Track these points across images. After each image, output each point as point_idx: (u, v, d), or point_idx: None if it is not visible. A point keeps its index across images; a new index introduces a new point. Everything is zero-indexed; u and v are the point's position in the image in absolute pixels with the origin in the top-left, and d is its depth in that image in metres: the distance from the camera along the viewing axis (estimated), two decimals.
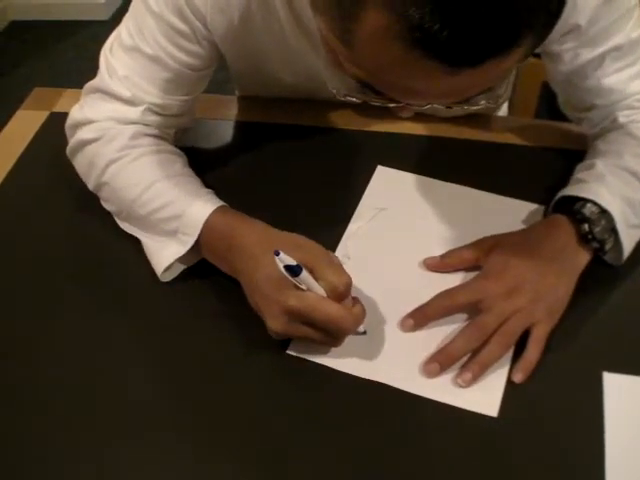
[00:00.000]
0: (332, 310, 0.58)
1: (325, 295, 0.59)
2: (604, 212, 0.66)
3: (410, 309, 0.66)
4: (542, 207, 0.76)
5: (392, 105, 0.55)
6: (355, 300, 0.62)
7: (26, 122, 0.90)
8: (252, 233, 0.64)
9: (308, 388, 0.62)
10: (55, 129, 0.88)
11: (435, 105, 0.53)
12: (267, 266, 0.59)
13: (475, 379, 0.61)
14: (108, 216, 0.75)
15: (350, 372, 0.62)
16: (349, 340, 0.63)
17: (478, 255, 0.69)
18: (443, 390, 0.61)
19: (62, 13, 2.64)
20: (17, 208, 0.79)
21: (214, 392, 0.62)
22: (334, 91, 0.57)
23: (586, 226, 0.66)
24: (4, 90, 2.23)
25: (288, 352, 0.63)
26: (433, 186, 0.79)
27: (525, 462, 0.56)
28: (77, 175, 0.77)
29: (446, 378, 0.62)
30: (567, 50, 0.71)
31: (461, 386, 0.61)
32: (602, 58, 0.71)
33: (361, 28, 0.44)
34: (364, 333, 0.64)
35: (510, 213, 0.76)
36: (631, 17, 0.69)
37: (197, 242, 0.66)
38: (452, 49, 0.42)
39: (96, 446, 0.58)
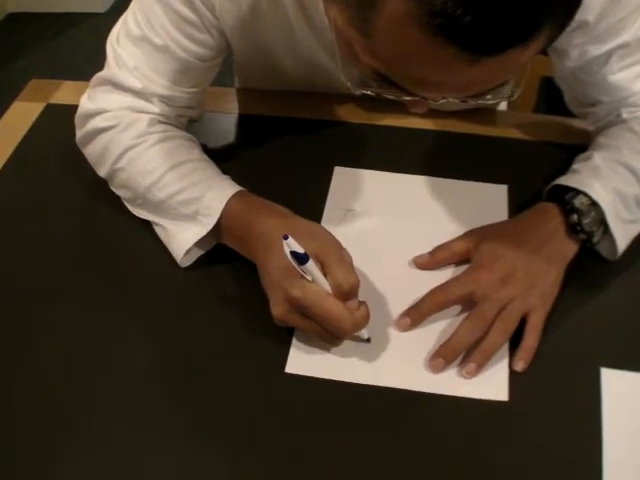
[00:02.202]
0: (332, 308, 0.58)
1: (330, 291, 0.58)
2: (594, 204, 0.66)
3: (403, 309, 0.65)
4: (504, 186, 0.77)
5: (407, 99, 0.54)
6: (361, 304, 0.60)
7: (23, 114, 0.89)
8: (271, 219, 0.65)
9: (314, 387, 0.61)
10: (52, 121, 0.87)
11: (450, 99, 0.52)
12: (280, 252, 0.59)
13: (480, 369, 0.61)
14: (108, 207, 0.74)
15: (354, 381, 0.61)
16: (347, 348, 0.62)
17: (468, 247, 0.69)
18: (451, 384, 0.61)
19: (60, 5, 2.62)
20: (14, 200, 0.79)
21: (214, 389, 0.61)
22: (348, 84, 0.57)
23: (575, 217, 0.66)
24: (1, 82, 2.22)
25: (287, 371, 0.62)
26: (396, 180, 0.79)
27: (526, 454, 0.57)
28: (74, 166, 0.76)
29: (451, 373, 0.62)
30: (574, 46, 0.70)
31: (465, 377, 0.61)
32: (609, 55, 0.70)
33: (381, 16, 0.43)
34: (368, 340, 0.63)
35: (478, 197, 0.76)
36: (639, 15, 0.69)
37: (216, 225, 0.66)
38: (474, 36, 0.41)
39: (97, 442, 0.58)
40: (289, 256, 0.56)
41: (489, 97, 0.53)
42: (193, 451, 0.57)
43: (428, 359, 0.62)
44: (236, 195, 0.67)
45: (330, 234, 0.63)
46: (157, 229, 0.71)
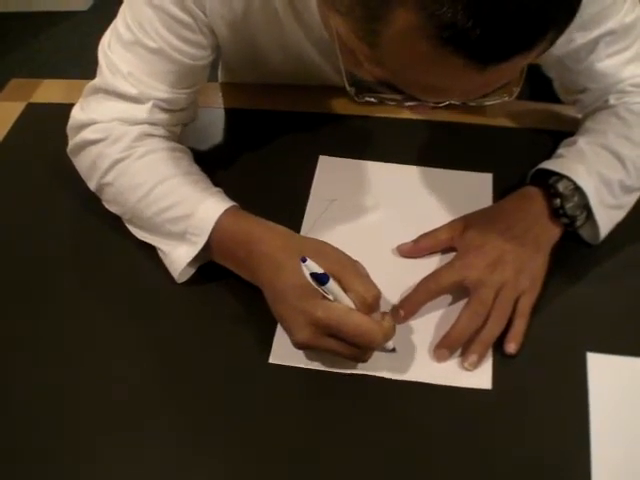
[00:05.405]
0: (361, 322, 0.56)
1: (353, 306, 0.57)
2: (578, 189, 0.66)
3: (389, 298, 0.65)
4: (489, 175, 0.77)
5: (410, 104, 0.55)
6: (384, 314, 0.59)
7: (3, 113, 0.88)
8: (274, 238, 0.62)
9: (298, 378, 0.61)
10: (33, 120, 0.86)
11: (453, 102, 0.53)
12: (292, 273, 0.57)
13: (481, 359, 0.61)
14: (92, 205, 0.73)
15: (337, 370, 0.61)
16: None
17: (452, 235, 0.69)
18: (434, 372, 0.61)
19: (41, 4, 2.60)
20: None
21: (196, 380, 0.61)
22: (351, 91, 0.57)
23: (558, 201, 0.67)
24: None
25: (270, 362, 0.62)
26: (381, 170, 0.79)
27: (512, 441, 0.57)
28: (55, 164, 0.75)
29: (434, 362, 0.62)
30: None
31: (467, 369, 0.60)
32: (595, 42, 0.70)
33: (389, 28, 0.44)
34: (393, 350, 0.61)
35: (463, 186, 0.76)
36: (625, 2, 0.69)
37: (207, 243, 0.64)
38: (483, 46, 0.42)
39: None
40: (309, 278, 0.54)
41: (490, 98, 0.54)
42: (177, 442, 0.57)
43: (432, 349, 0.62)
44: (228, 212, 0.64)
45: (338, 249, 0.60)
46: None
